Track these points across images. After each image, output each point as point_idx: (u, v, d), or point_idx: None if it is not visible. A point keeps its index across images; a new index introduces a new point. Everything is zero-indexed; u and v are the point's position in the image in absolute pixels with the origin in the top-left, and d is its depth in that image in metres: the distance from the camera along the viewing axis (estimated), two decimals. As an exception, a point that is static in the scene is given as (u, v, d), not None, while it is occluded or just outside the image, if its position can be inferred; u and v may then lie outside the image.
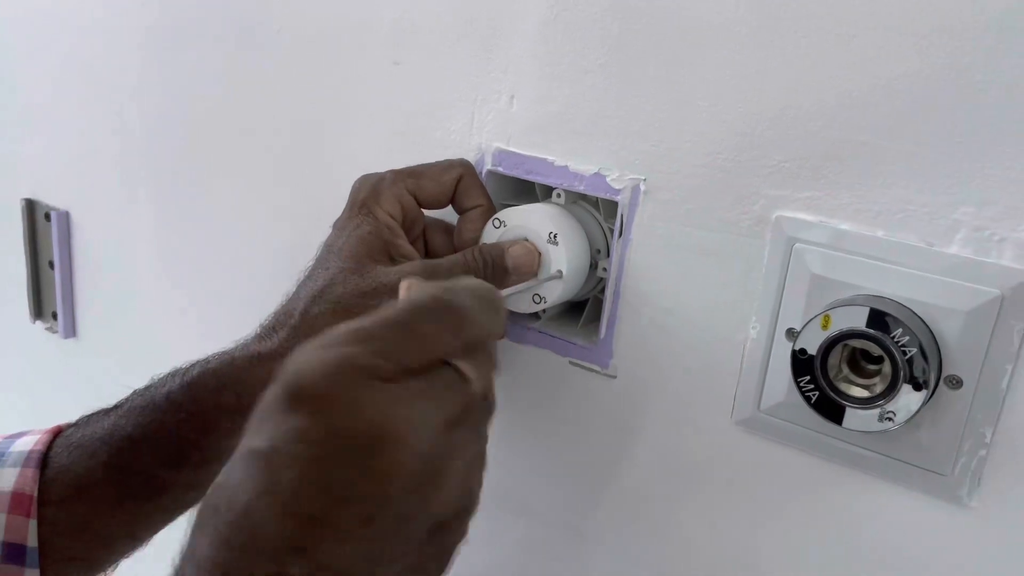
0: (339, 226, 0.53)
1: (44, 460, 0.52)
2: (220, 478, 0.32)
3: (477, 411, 0.35)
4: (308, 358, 0.31)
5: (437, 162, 0.56)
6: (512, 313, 0.57)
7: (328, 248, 0.53)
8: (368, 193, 0.53)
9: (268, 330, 0.51)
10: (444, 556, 0.35)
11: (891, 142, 0.44)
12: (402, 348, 0.33)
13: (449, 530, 0.35)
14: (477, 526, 0.62)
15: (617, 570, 0.58)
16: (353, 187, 0.54)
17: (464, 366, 0.34)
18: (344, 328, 0.33)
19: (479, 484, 0.36)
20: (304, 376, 0.31)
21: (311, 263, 0.53)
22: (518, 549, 0.62)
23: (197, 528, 0.32)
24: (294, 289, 0.53)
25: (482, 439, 0.36)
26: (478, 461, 0.36)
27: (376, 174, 0.54)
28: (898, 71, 0.43)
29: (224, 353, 0.52)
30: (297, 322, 0.50)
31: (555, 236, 0.53)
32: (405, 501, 0.31)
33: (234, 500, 0.31)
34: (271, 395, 0.32)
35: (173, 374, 0.53)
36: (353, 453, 0.30)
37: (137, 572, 0.56)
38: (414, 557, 0.33)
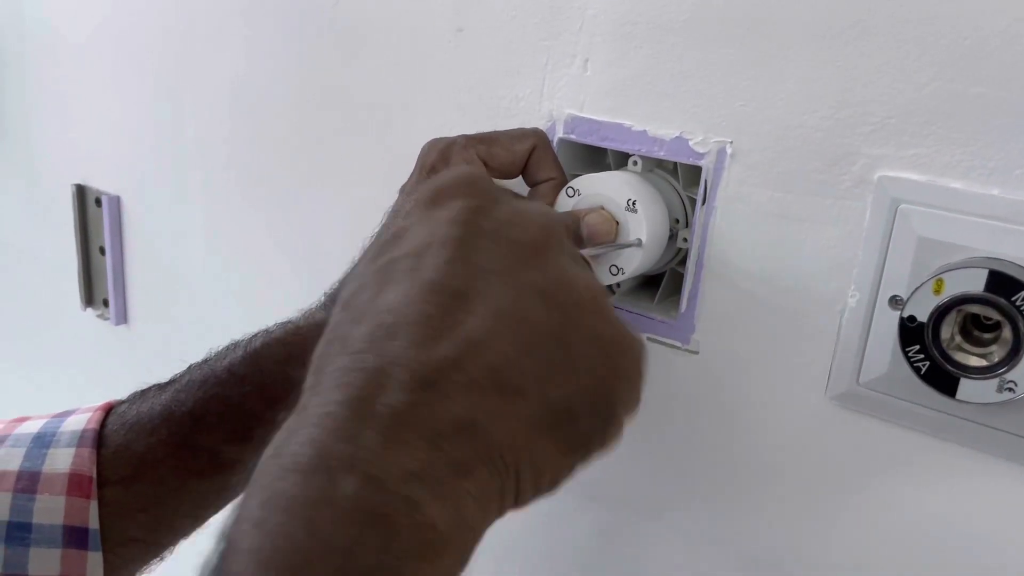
0: (407, 191, 0.51)
1: (99, 439, 0.50)
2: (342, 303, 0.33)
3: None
4: (441, 174, 0.36)
5: (510, 130, 0.54)
6: (586, 287, 0.54)
7: (395, 214, 0.51)
8: (437, 157, 0.51)
9: (334, 298, 0.49)
10: (597, 416, 0.32)
11: (1009, 93, 0.40)
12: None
13: (606, 360, 0.32)
14: (551, 510, 0.60)
15: (700, 557, 0.55)
16: (422, 151, 0.52)
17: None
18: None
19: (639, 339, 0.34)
20: (451, 175, 0.35)
21: (377, 228, 0.51)
22: (593, 533, 0.60)
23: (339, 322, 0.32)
24: (360, 255, 0.51)
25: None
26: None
27: (446, 138, 0.52)
28: (1016, 15, 0.40)
29: (288, 323, 0.50)
30: None
31: (634, 203, 0.50)
32: (544, 278, 0.31)
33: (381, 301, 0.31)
34: (409, 205, 0.35)
35: (233, 346, 0.51)
36: (501, 227, 0.32)
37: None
38: (567, 381, 0.31)
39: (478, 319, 0.29)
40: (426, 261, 0.31)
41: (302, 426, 0.28)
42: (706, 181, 0.50)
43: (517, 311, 0.30)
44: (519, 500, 0.31)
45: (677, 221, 0.53)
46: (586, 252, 0.50)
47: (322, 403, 0.28)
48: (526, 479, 0.30)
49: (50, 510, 0.47)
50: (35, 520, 0.47)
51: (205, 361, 0.52)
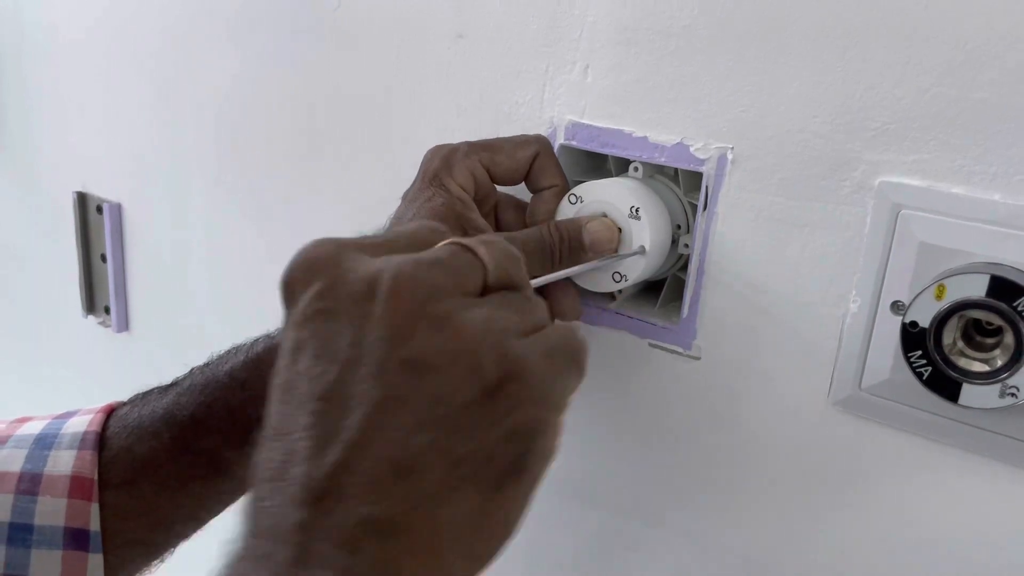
0: (409, 198, 0.51)
1: (100, 441, 0.50)
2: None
3: (499, 290, 0.33)
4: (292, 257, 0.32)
5: (513, 136, 0.54)
6: (588, 294, 0.54)
7: (398, 220, 0.51)
8: (440, 164, 0.51)
9: None
10: (516, 445, 0.30)
11: (1011, 98, 0.40)
12: (391, 235, 0.34)
13: (502, 398, 0.30)
14: (551, 515, 0.60)
15: (702, 563, 0.55)
16: (424, 157, 0.52)
17: (467, 240, 0.33)
18: None
19: (531, 355, 0.31)
20: (293, 262, 0.32)
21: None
22: (594, 538, 0.59)
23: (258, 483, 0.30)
24: None
25: (515, 312, 0.32)
26: (505, 326, 0.31)
27: (449, 145, 0.52)
28: (1019, 19, 0.40)
29: None
30: None
31: (637, 210, 0.50)
32: (408, 346, 0.29)
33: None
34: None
35: (235, 351, 0.51)
36: (350, 305, 0.30)
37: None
38: (468, 435, 0.29)
39: (355, 414, 0.28)
40: (295, 368, 0.30)
41: (237, 559, 0.29)
42: (707, 187, 0.50)
43: (390, 393, 0.29)
44: (485, 561, 0.30)
45: (678, 227, 0.54)
46: (590, 264, 0.50)
47: (249, 533, 0.29)
48: (479, 542, 0.30)
49: (52, 512, 0.47)
50: (37, 522, 0.47)
51: (207, 364, 0.52)
